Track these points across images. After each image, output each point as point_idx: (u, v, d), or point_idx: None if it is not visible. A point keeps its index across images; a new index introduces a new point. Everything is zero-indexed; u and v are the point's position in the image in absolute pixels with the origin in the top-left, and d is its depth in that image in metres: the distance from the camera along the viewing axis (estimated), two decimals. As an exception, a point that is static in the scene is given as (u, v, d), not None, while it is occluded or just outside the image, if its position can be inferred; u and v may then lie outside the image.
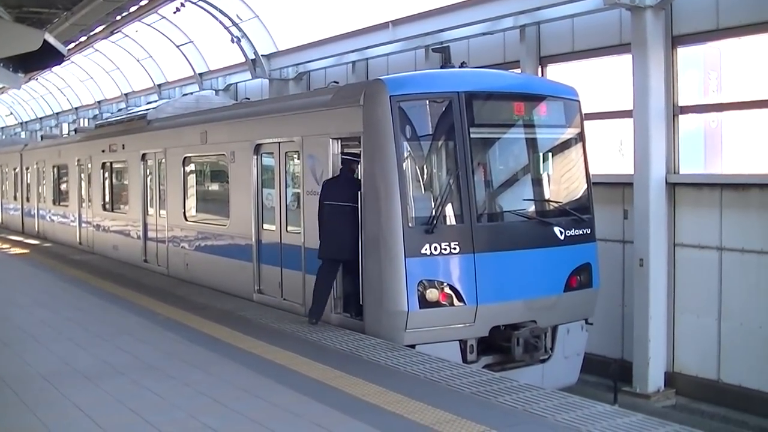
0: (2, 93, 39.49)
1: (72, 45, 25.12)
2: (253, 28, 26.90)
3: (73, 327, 13.08)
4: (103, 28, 21.95)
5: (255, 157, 15.00)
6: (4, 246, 26.57)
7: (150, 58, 36.37)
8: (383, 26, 21.89)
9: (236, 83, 30.28)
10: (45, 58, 11.68)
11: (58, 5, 18.51)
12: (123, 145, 21.85)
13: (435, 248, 11.35)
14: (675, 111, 15.07)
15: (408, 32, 20.91)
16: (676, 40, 15.13)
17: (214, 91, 28.31)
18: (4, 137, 59.34)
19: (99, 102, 44.77)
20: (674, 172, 14.99)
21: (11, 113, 61.13)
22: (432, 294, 11.29)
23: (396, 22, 21.42)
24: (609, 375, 14.40)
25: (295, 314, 13.36)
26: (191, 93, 24.57)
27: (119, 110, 38.47)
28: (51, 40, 11.18)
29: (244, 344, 11.41)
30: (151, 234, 19.85)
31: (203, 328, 12.65)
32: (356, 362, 10.20)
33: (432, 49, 18.04)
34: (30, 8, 18.06)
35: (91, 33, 22.28)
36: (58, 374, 10.06)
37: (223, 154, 16.46)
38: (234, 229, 15.92)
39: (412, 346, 11.14)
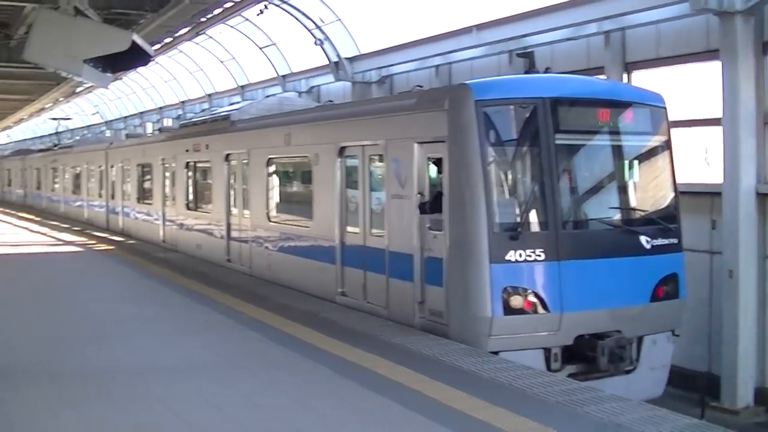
0: (89, 92, 40.22)
1: (157, 46, 25.50)
2: (336, 31, 27.10)
3: (158, 323, 13.29)
4: (188, 30, 22.26)
5: (339, 159, 15.04)
6: (90, 242, 27.06)
7: (233, 60, 36.83)
8: (467, 30, 21.87)
9: (319, 86, 30.55)
10: (132, 58, 11.87)
11: (145, 7, 18.82)
12: (207, 145, 22.10)
13: (520, 255, 11.28)
14: (766, 119, 14.78)
15: (492, 37, 20.87)
16: (767, 46, 14.85)
17: (297, 93, 28.49)
18: (89, 135, 60.39)
19: (183, 102, 45.42)
20: (765, 182, 14.69)
21: (97, 112, 62.27)
22: (516, 301, 11.22)
23: (480, 27, 21.40)
24: (695, 389, 14.16)
25: (378, 317, 13.36)
26: (274, 95, 24.73)
27: (202, 110, 38.94)
28: (139, 41, 11.37)
29: (326, 345, 11.44)
30: (234, 234, 20.03)
31: (286, 328, 12.71)
32: (439, 367, 10.15)
33: (516, 54, 17.92)
34: (118, 9, 18.40)
35: (176, 34, 22.59)
36: (143, 370, 10.23)
37: (307, 156, 16.55)
38: (317, 231, 15.98)
39: (496, 353, 11.08)
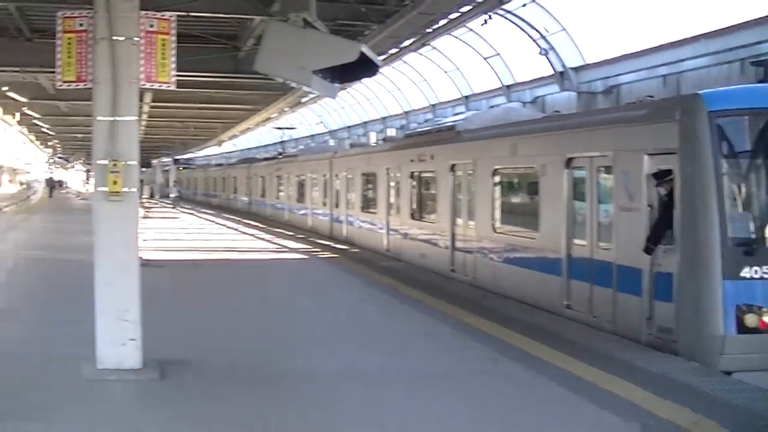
0: (314, 102, 41.45)
1: (383, 57, 26.03)
2: (561, 41, 26.92)
3: (383, 331, 13.54)
4: (414, 41, 22.59)
5: (566, 171, 14.93)
6: (314, 249, 27.83)
7: (457, 70, 37.12)
8: (695, 39, 21.28)
9: (543, 96, 30.30)
10: (360, 69, 12.08)
11: (372, 18, 19.24)
12: (432, 155, 22.36)
13: (755, 272, 10.87)
14: None
15: (722, 45, 20.17)
16: None
17: (521, 104, 28.46)
18: (313, 145, 62.06)
19: (406, 112, 46.05)
20: None
21: (321, 122, 63.98)
22: (751, 319, 10.80)
23: (709, 35, 20.76)
24: None
25: (604, 331, 13.15)
26: (498, 105, 24.81)
27: (425, 121, 39.41)
28: (367, 51, 11.59)
29: (550, 358, 11.37)
30: (458, 244, 20.14)
31: (510, 339, 12.67)
32: (668, 385, 9.89)
33: (749, 62, 17.28)
34: (344, 21, 18.91)
35: (402, 46, 22.97)
36: (370, 375, 10.50)
37: (533, 167, 16.49)
38: (543, 243, 15.88)
39: (729, 373, 10.72)
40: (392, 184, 26.25)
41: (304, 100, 34.45)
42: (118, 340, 9.94)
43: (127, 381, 9.78)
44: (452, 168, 20.61)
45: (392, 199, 26.26)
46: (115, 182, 9.91)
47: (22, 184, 65.92)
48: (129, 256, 10.12)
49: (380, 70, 32.19)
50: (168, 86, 10.52)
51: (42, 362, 10.61)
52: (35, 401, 8.93)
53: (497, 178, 18.45)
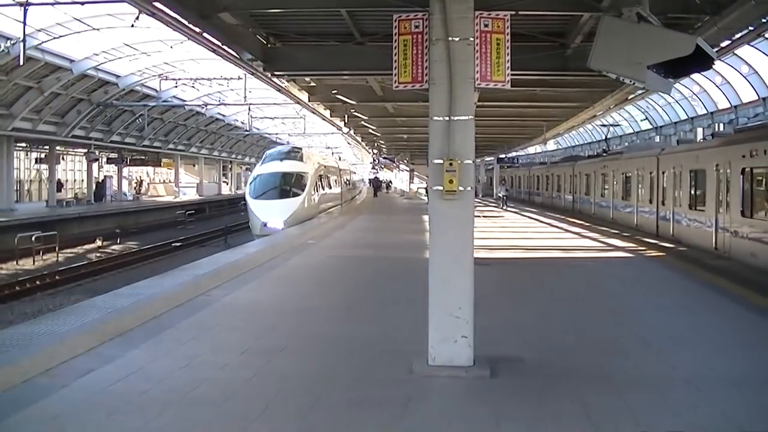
0: (641, 99, 40.59)
1: (714, 50, 25.07)
2: None
3: (713, 333, 13.07)
4: (748, 32, 21.59)
5: None
6: (640, 248, 27.29)
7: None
8: None
9: None
10: (694, 63, 11.74)
11: (705, 10, 18.58)
12: (765, 151, 21.44)
13: None
14: None
15: None
16: None
17: None
18: (638, 142, 60.96)
19: (735, 106, 44.27)
20: None
21: (646, 118, 62.74)
22: None
23: None
24: None
25: None
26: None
27: (755, 115, 37.70)
28: (703, 45, 11.27)
29: None
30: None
31: None
32: None
33: None
34: (674, 14, 18.34)
35: (734, 38, 22.02)
36: (701, 378, 10.14)
37: None
38: None
39: None
40: (721, 180, 25.34)
41: (631, 96, 33.77)
42: (450, 338, 10.20)
43: (458, 378, 9.98)
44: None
45: (721, 196, 25.37)
46: (451, 181, 10.20)
47: (347, 184, 69.01)
48: (464, 255, 10.32)
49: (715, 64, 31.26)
50: (503, 85, 10.69)
51: (374, 357, 11.14)
52: (368, 396, 9.42)
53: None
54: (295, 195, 42.21)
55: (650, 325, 13.70)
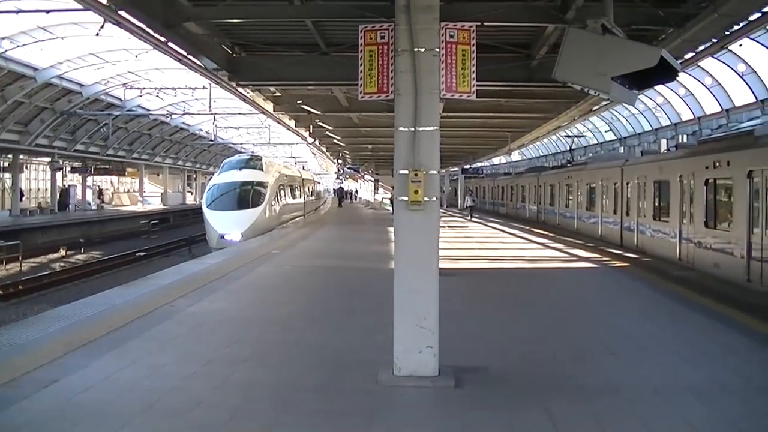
0: (605, 110, 40.86)
1: (678, 62, 25.25)
2: None
3: (677, 342, 13.12)
4: (711, 45, 21.77)
5: None
6: (605, 258, 27.40)
7: (753, 73, 35.54)
8: None
9: None
10: (658, 75, 11.85)
11: (669, 22, 18.70)
12: (728, 162, 21.64)
13: None
14: None
15: None
16: None
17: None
18: (602, 153, 61.36)
19: (698, 118, 44.66)
20: None
21: (610, 129, 63.14)
22: None
23: None
24: None
25: None
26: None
27: (719, 127, 38.03)
28: (667, 56, 11.36)
29: None
30: (755, 254, 19.39)
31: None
32: None
33: None
34: (639, 26, 18.46)
35: (698, 50, 22.19)
36: (667, 389, 10.13)
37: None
38: None
39: None
40: (685, 191, 25.54)
41: (595, 107, 34.00)
42: (415, 348, 10.19)
43: (423, 388, 9.95)
44: (749, 174, 19.82)
45: (685, 207, 25.57)
46: (416, 191, 10.21)
47: (311, 194, 68.73)
48: (429, 265, 10.32)
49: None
50: (469, 96, 10.72)
51: (340, 367, 11.08)
52: (334, 406, 9.36)
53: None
54: (255, 205, 41.01)
55: (616, 335, 13.74)
